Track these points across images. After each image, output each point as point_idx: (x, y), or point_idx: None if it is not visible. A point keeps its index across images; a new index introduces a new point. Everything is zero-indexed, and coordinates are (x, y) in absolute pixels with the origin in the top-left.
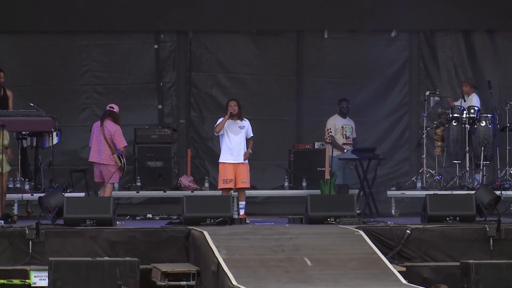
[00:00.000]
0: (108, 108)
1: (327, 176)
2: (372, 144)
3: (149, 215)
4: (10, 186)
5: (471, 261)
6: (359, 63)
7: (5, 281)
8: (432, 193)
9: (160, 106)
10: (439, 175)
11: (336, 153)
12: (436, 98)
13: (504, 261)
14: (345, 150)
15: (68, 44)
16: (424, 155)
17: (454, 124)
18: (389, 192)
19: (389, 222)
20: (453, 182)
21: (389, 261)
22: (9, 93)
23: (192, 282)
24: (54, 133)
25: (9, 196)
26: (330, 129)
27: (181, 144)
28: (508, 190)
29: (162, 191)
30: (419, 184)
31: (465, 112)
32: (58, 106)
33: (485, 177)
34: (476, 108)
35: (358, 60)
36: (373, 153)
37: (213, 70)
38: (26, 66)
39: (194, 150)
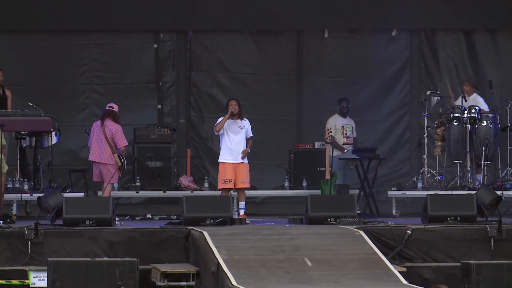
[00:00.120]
0: (107, 107)
1: (328, 176)
2: (372, 144)
3: (149, 215)
4: (9, 186)
5: (472, 261)
6: (360, 62)
7: (4, 282)
8: (433, 193)
9: (159, 106)
10: (440, 175)
11: (336, 153)
12: (437, 98)
13: (505, 261)
14: (345, 150)
15: (67, 44)
16: (425, 155)
17: (455, 124)
18: (389, 192)
19: (389, 223)
20: (454, 182)
21: (389, 262)
22: (8, 92)
23: (191, 283)
24: (53, 133)
25: (8, 196)
26: (330, 129)
27: (180, 144)
28: (509, 190)
29: (162, 191)
30: (419, 184)
31: (466, 111)
32: (57, 105)
33: (486, 177)
34: (477, 107)
35: (358, 60)
36: (374, 153)
37: (213, 69)
38: (25, 65)
39: (194, 150)
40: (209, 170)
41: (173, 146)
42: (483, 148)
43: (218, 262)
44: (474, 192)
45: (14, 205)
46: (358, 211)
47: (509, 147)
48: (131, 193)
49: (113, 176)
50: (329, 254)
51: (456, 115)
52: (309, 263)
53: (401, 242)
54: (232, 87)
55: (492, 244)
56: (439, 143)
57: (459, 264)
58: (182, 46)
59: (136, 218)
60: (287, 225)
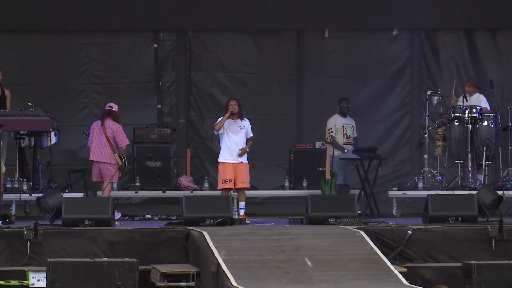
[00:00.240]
0: (107, 107)
1: (328, 176)
2: (373, 144)
3: (148, 216)
4: (8, 186)
5: (473, 262)
6: (360, 62)
7: (3, 282)
8: (434, 193)
9: (159, 106)
10: (441, 175)
11: (336, 153)
12: (438, 98)
13: (507, 261)
14: (346, 150)
15: (66, 43)
16: (426, 155)
17: (456, 123)
18: (390, 192)
19: (390, 223)
20: (455, 182)
21: (390, 262)
22: (7, 92)
23: (191, 283)
24: (53, 133)
25: (7, 196)
26: (330, 128)
27: (180, 144)
28: (510, 190)
29: (162, 191)
30: (420, 184)
31: (467, 111)
32: (57, 105)
33: (487, 177)
34: (478, 107)
35: (359, 59)
36: (374, 153)
37: (213, 69)
38: (24, 65)
39: (194, 150)
40: (209, 170)
41: (173, 146)
42: (484, 148)
43: (218, 263)
44: (475, 192)
45: (13, 205)
46: (359, 211)
47: (510, 147)
48: (131, 193)
49: (113, 176)
50: (330, 255)
51: (457, 115)
52: (309, 263)
53: (401, 243)
54: (232, 87)
55: (493, 244)
56: (440, 143)
57: (460, 264)
58: (182, 45)
59: (136, 218)
60: (287, 225)
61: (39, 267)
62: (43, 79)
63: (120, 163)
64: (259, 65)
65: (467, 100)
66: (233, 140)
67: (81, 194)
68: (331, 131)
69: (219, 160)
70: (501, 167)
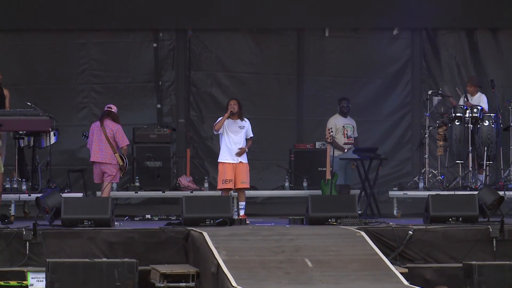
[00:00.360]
0: (106, 108)
1: (328, 176)
2: (373, 143)
3: (148, 216)
4: (7, 186)
5: (474, 262)
6: (361, 61)
7: (2, 283)
8: (435, 193)
9: (159, 105)
10: (442, 175)
11: (337, 153)
12: (438, 97)
13: (508, 262)
14: (346, 150)
15: (66, 43)
16: (427, 155)
17: (457, 123)
18: (391, 193)
19: (391, 223)
20: (455, 182)
21: (391, 262)
22: (6, 92)
23: (191, 284)
24: (52, 133)
25: (6, 196)
26: (331, 128)
27: (180, 143)
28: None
29: (161, 192)
30: (421, 185)
31: (468, 111)
32: (56, 105)
33: (488, 177)
34: (479, 107)
35: (359, 59)
36: (375, 153)
37: (213, 69)
38: (23, 65)
39: (194, 150)
40: (208, 170)
41: (172, 146)
42: (485, 148)
43: (218, 263)
44: (476, 192)
45: (12, 205)
46: (359, 212)
47: (511, 147)
48: (130, 193)
49: (115, 176)
50: (330, 255)
51: (458, 114)
52: (309, 264)
53: (402, 243)
54: (232, 87)
55: (494, 244)
56: (441, 143)
57: (461, 265)
58: (181, 45)
59: (135, 219)
60: (288, 226)
61: (38, 268)
62: (42, 78)
63: (121, 163)
64: (259, 64)
65: (467, 100)
66: (233, 140)
67: (80, 194)
68: (332, 131)
69: (219, 160)
70: (502, 167)
